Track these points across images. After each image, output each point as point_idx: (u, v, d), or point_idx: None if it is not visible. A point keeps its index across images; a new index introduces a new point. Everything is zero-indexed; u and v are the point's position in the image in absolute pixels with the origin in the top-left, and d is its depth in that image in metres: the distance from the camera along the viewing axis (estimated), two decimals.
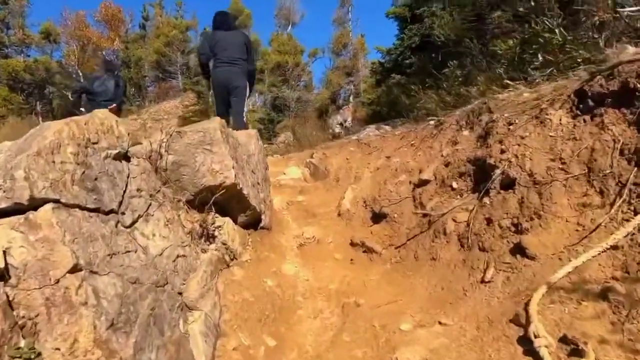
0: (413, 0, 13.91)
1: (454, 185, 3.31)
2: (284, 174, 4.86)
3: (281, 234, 3.76)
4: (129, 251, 2.17)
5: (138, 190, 2.48)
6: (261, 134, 16.47)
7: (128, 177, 2.45)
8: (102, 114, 2.57)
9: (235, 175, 2.99)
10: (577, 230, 2.47)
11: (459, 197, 3.21)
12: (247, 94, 5.45)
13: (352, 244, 3.72)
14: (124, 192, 2.37)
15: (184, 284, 2.55)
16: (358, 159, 4.50)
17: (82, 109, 6.22)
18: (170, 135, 2.93)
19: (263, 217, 3.65)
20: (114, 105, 6.25)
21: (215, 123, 3.04)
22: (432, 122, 4.28)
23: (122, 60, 30.01)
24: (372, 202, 3.90)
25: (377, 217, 3.82)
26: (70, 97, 7.07)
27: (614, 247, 2.20)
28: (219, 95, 5.52)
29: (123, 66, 29.44)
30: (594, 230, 2.41)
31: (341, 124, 11.75)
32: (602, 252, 2.22)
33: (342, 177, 4.45)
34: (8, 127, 20.62)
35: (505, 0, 6.75)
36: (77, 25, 29.43)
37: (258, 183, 3.65)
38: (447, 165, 3.47)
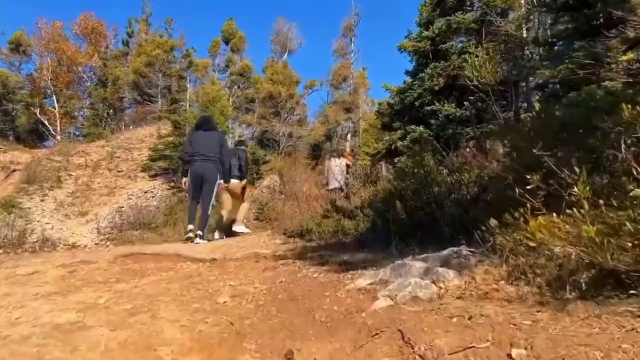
0: (436, 33, 11.26)
1: None
2: None
3: None
4: None
5: None
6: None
7: None
8: None
9: None
10: None
11: None
12: (217, 186, 6.38)
13: None
14: None
15: None
16: None
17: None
18: None
19: None
20: (243, 181, 7.26)
21: None
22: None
23: (98, 78, 27.28)
24: None
25: None
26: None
27: None
28: (193, 184, 6.38)
29: (99, 85, 26.73)
30: None
31: (341, 189, 8.98)
32: None
33: None
34: None
35: None
36: (52, 37, 26.70)
37: None
38: None
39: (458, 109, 9.45)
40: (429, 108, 10.06)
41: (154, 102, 24.39)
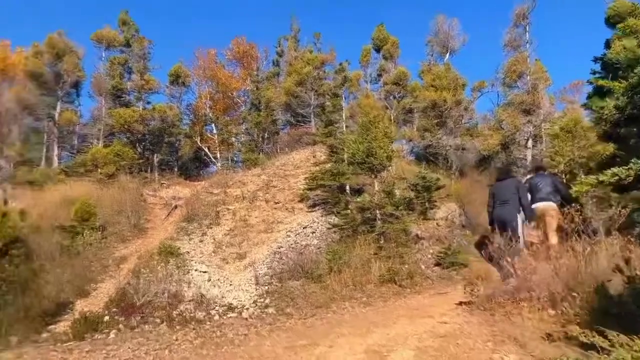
0: None
1: None
2: None
3: None
4: None
5: None
6: (412, 205, 10.23)
7: None
8: None
9: None
10: None
11: None
12: (519, 222, 6.94)
13: None
14: None
15: None
16: None
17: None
18: None
19: None
20: (551, 204, 7.23)
21: None
22: None
23: (251, 102, 26.84)
24: None
25: None
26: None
27: None
28: (497, 228, 7.02)
29: (253, 108, 26.25)
30: None
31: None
32: None
33: None
34: (116, 187, 17.90)
35: None
36: (207, 64, 27.07)
37: None
38: None
39: None
40: None
41: (307, 123, 22.98)
